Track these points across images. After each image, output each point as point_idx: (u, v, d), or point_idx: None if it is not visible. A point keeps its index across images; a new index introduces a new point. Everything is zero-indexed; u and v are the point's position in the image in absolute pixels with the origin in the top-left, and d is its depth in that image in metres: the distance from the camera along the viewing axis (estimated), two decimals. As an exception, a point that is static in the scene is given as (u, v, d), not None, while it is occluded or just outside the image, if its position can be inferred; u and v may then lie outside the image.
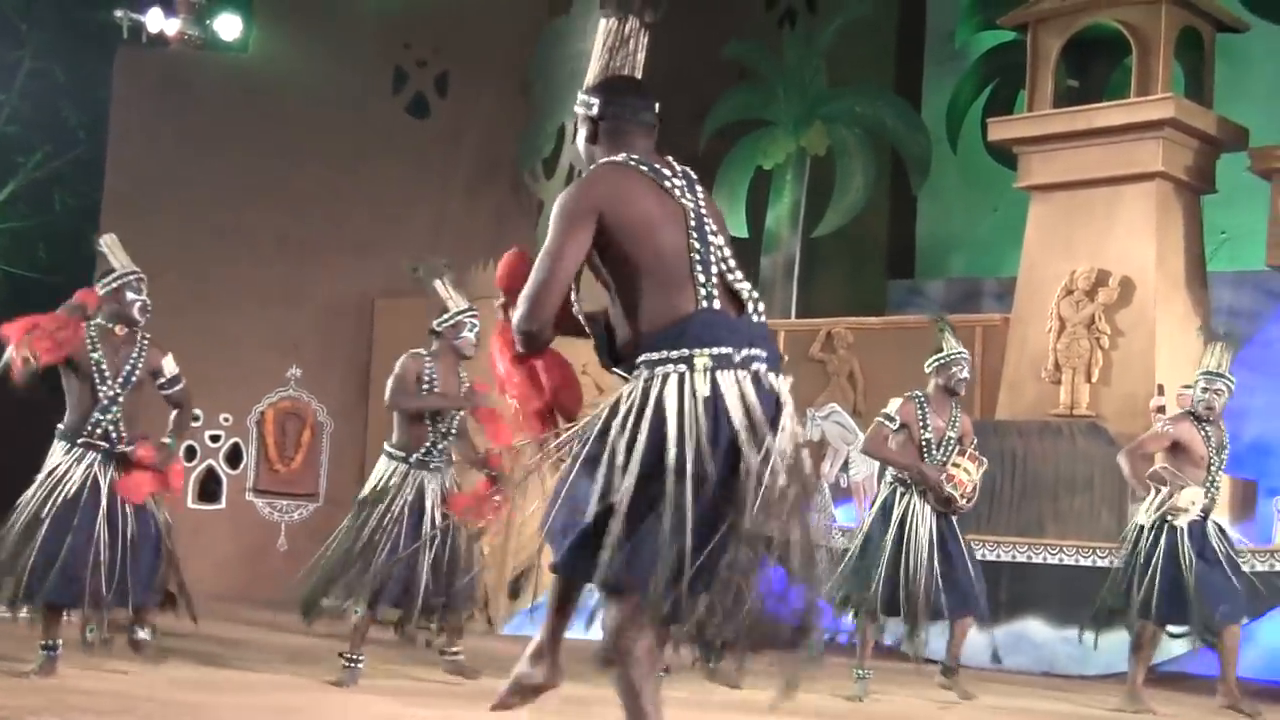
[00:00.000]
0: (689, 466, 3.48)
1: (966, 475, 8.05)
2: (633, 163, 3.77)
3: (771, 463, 3.51)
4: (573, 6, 14.14)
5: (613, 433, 3.56)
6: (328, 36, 14.44)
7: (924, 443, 8.16)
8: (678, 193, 3.75)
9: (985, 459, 8.25)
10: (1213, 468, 8.21)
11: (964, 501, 8.07)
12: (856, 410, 12.72)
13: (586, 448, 3.63)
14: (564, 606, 3.84)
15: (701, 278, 3.66)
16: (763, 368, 3.64)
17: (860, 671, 8.09)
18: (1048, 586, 10.68)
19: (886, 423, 8.21)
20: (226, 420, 14.18)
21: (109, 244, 7.06)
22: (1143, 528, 8.27)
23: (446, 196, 14.73)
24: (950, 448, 8.15)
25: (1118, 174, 12.09)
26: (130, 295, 6.93)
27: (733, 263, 3.75)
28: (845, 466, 12.18)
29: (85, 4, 15.43)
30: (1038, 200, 12.66)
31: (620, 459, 3.51)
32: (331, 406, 14.16)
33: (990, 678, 8.13)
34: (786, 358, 13.01)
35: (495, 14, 14.77)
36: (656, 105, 3.94)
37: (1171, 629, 8.40)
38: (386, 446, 7.73)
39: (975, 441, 8.28)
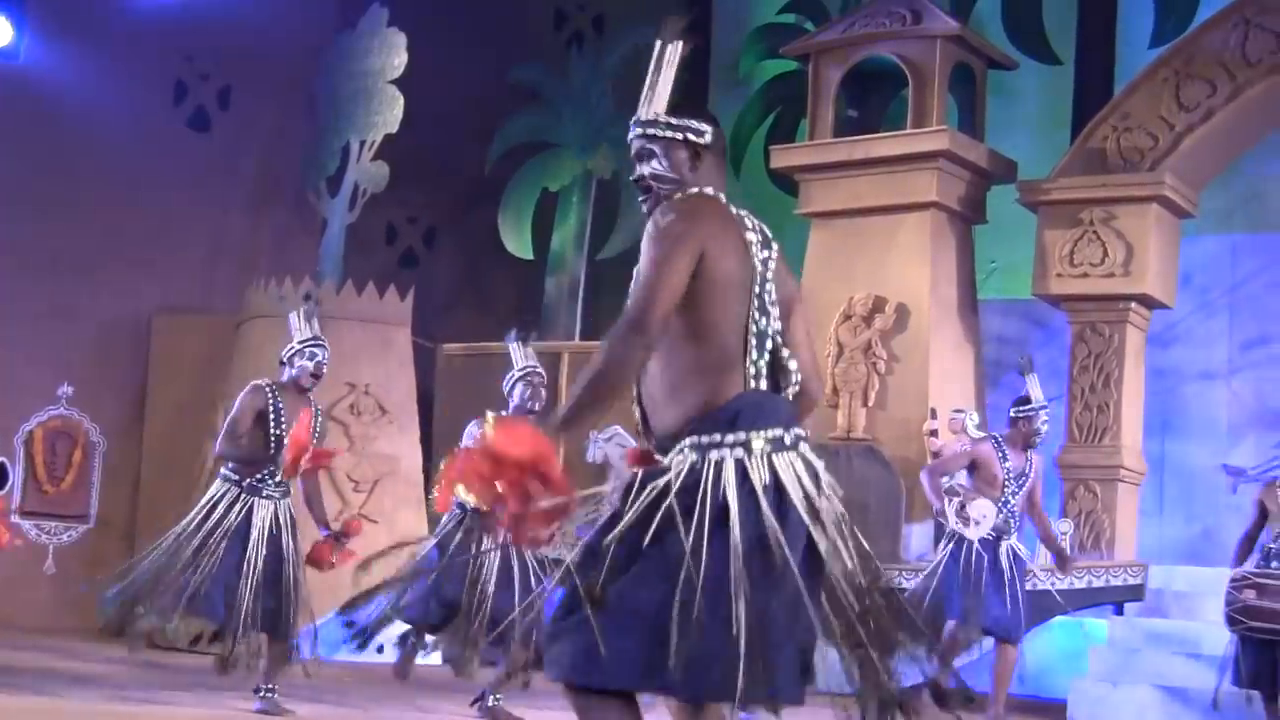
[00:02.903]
0: (763, 556, 3.27)
1: None
2: (724, 200, 3.55)
3: (839, 546, 3.38)
4: (359, 23, 14.01)
5: (659, 523, 3.27)
6: (105, 46, 14.05)
7: None
8: (754, 248, 3.52)
9: None
10: (1008, 491, 8.48)
11: None
12: (638, 432, 12.79)
13: (624, 541, 3.29)
14: None
15: (755, 354, 3.47)
16: (806, 447, 3.47)
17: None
18: (824, 606, 10.84)
19: None
20: (-8, 439, 13.70)
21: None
22: (950, 542, 8.50)
23: (227, 213, 14.45)
24: None
25: (894, 203, 12.39)
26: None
27: (784, 338, 3.55)
28: (628, 488, 12.24)
29: None
30: (818, 227, 12.91)
31: (683, 551, 3.22)
32: (105, 425, 13.76)
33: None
34: (565, 380, 13.10)
35: (279, 28, 14.55)
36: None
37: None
38: (222, 469, 7.63)
39: None
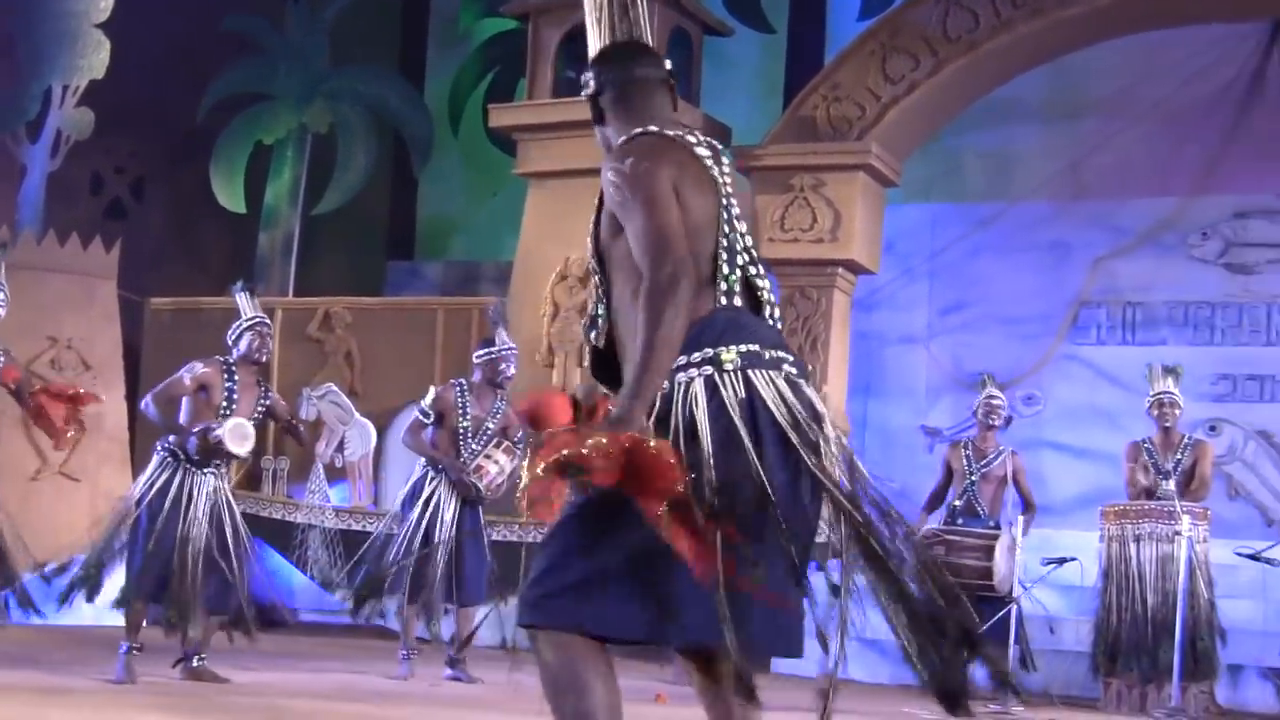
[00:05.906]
0: (737, 480, 3.02)
1: (495, 467, 8.19)
2: (676, 136, 3.29)
3: (829, 461, 3.10)
4: (62, -37, 13.49)
5: None
6: None
7: (460, 430, 8.26)
8: (712, 167, 3.29)
9: (521, 452, 8.29)
10: None
11: (486, 493, 8.22)
12: (353, 390, 12.71)
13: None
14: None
15: (725, 269, 3.21)
16: (794, 371, 3.19)
17: (405, 652, 8.17)
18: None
19: (421, 416, 8.30)
20: None
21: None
22: None
23: (-82, 157, 13.80)
24: (487, 438, 8.26)
25: (611, 165, 12.49)
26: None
27: (756, 253, 3.30)
28: (341, 446, 12.15)
29: None
30: (535, 187, 12.95)
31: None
32: None
33: (497, 656, 8.32)
34: (278, 337, 12.90)
35: (-24, -35, 13.93)
36: (666, 62, 3.46)
37: None
38: None
39: (520, 434, 8.32)
